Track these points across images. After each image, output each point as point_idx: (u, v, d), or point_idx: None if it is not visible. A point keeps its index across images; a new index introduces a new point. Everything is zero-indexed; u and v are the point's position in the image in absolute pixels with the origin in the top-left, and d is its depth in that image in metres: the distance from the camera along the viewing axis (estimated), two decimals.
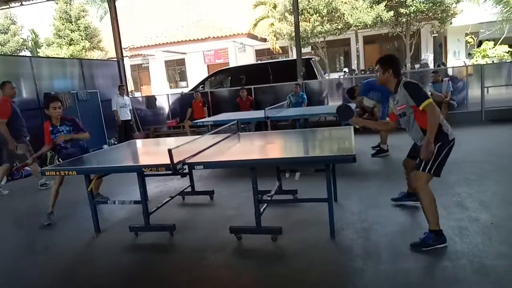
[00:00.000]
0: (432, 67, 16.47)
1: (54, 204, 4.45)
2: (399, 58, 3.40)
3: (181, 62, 23.33)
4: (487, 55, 14.62)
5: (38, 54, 22.65)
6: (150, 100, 11.16)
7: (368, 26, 16.69)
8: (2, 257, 3.67)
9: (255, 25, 19.43)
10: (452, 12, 16.28)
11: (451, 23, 17.19)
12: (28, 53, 24.33)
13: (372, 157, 6.14)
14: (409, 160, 3.54)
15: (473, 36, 16.47)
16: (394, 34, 17.79)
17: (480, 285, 2.46)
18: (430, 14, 16.13)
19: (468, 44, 17.00)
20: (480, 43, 16.19)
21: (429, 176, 2.98)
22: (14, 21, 25.14)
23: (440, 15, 16.10)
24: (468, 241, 3.03)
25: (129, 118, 9.56)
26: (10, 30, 24.56)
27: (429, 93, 8.74)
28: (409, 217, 3.65)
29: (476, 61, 14.56)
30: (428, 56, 19.89)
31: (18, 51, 24.26)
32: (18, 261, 3.54)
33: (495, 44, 14.91)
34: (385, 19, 16.01)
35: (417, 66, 18.07)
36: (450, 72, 9.54)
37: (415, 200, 3.67)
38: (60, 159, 4.60)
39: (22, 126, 5.74)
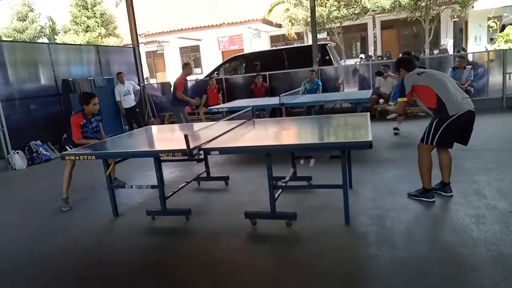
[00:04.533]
0: (452, 53, 16.04)
1: (68, 188, 4.59)
2: (408, 58, 4.01)
3: (196, 49, 23.32)
4: (510, 40, 14.11)
5: (56, 41, 22.94)
6: (165, 87, 11.21)
7: (386, 10, 16.33)
8: (24, 238, 3.81)
9: (270, 10, 19.23)
10: None
11: (472, 7, 16.65)
12: (45, 40, 24.65)
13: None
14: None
15: (495, 20, 15.92)
16: (413, 19, 17.37)
17: (497, 273, 2.43)
18: None
19: (490, 29, 16.45)
20: (503, 28, 15.61)
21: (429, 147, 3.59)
22: (32, 9, 25.45)
23: None
24: (486, 229, 2.99)
25: (133, 105, 9.28)
26: (28, 17, 24.90)
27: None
28: (424, 204, 3.62)
29: (499, 46, 14.08)
30: (447, 42, 19.37)
31: (36, 38, 24.61)
32: (39, 242, 3.67)
33: None
34: (404, 3, 15.62)
35: (436, 52, 17.64)
36: (470, 58, 9.27)
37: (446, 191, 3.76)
38: (70, 146, 4.65)
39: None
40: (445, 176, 3.74)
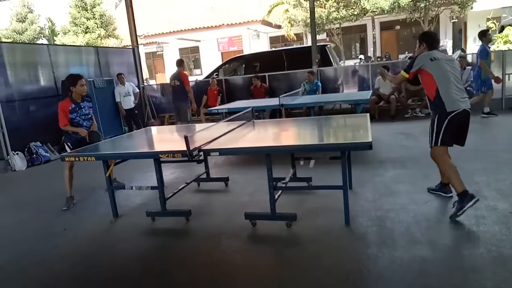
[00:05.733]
0: (451, 54, 16.04)
1: (71, 187, 4.61)
2: (435, 38, 3.79)
3: (195, 50, 23.33)
4: (509, 40, 14.12)
5: (55, 42, 22.93)
6: (165, 88, 11.21)
7: (385, 11, 16.33)
8: (24, 240, 3.80)
9: (269, 11, 19.23)
10: None
11: (471, 7, 16.66)
12: (45, 41, 24.63)
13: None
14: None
15: (495, 21, 15.94)
16: (412, 20, 17.38)
17: (497, 274, 2.43)
18: None
19: (489, 30, 16.45)
20: (502, 29, 15.64)
21: (441, 148, 3.42)
22: (31, 10, 25.41)
23: None
24: (486, 230, 2.99)
25: (132, 106, 9.32)
26: (27, 18, 24.86)
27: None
28: (424, 205, 3.62)
29: (498, 47, 14.10)
30: (446, 43, 19.39)
31: (35, 39, 24.57)
32: (39, 244, 3.66)
33: None
34: (403, 4, 15.63)
35: None
36: (469, 58, 9.27)
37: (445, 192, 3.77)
38: (68, 143, 4.62)
39: None
40: (445, 177, 3.73)
